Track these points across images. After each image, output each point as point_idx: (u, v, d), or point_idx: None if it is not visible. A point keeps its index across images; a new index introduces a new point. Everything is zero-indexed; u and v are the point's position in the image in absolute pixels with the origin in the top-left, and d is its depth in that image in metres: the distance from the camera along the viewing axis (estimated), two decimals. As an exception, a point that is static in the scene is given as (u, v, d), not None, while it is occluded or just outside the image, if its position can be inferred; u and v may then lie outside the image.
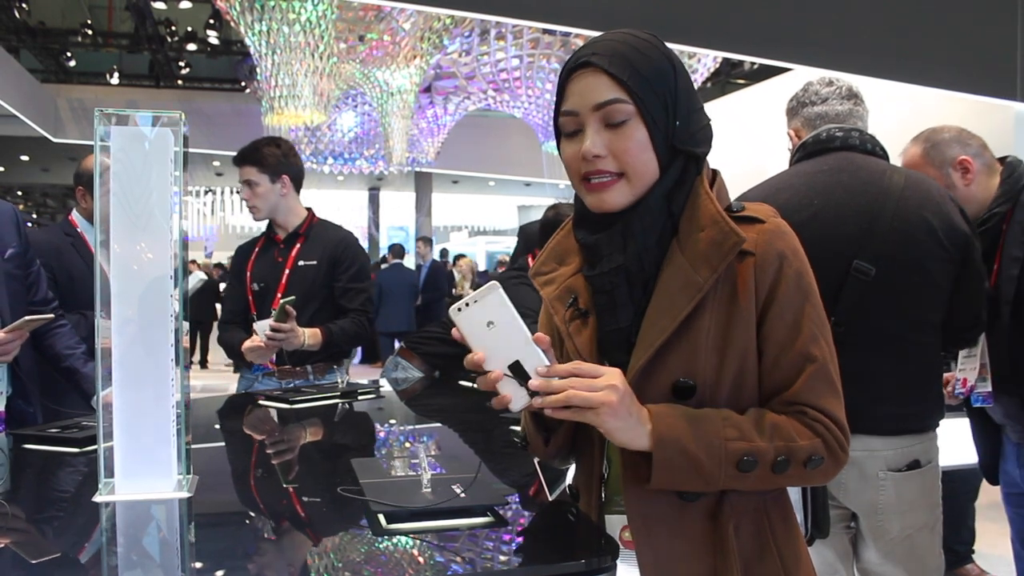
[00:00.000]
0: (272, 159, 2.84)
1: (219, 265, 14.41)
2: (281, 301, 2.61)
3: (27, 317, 1.93)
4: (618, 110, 1.12)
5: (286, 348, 2.70)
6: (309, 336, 2.72)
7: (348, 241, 3.00)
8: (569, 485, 1.31)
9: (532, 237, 3.10)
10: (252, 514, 1.46)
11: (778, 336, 1.12)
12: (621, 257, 1.15)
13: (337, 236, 2.98)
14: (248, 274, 2.92)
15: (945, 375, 2.19)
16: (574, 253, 1.24)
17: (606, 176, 1.13)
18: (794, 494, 1.54)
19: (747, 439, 1.08)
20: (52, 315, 2.10)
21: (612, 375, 1.06)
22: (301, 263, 2.87)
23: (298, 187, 2.93)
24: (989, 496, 3.64)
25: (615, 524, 1.21)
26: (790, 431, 1.10)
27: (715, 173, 1.20)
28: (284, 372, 2.82)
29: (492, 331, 1.06)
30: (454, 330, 1.09)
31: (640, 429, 1.07)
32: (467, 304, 1.08)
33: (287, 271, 2.86)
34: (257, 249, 2.97)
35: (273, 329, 2.59)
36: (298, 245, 2.90)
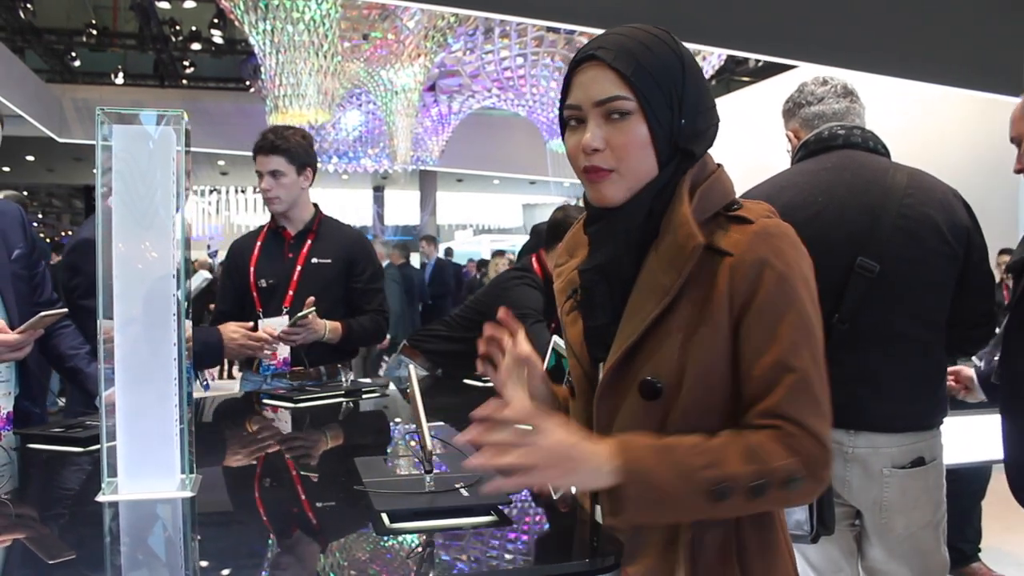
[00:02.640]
0: (300, 150, 2.78)
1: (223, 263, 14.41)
2: (298, 315, 2.59)
3: (42, 313, 1.92)
4: (619, 106, 1.10)
5: (304, 342, 2.68)
6: (330, 329, 2.70)
7: (363, 241, 2.99)
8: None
9: (540, 238, 3.10)
10: (255, 513, 1.46)
11: (755, 343, 1.07)
12: (602, 256, 1.16)
13: (351, 236, 2.96)
14: (252, 270, 2.85)
15: (951, 368, 2.18)
16: (583, 245, 1.24)
17: (602, 170, 1.13)
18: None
19: (719, 466, 1.02)
20: (65, 309, 2.09)
21: (545, 438, 1.00)
22: (315, 260, 2.82)
23: (313, 181, 2.89)
24: (995, 494, 3.63)
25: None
26: (765, 453, 1.03)
27: (717, 168, 1.18)
28: (296, 374, 2.79)
29: None
30: None
31: (599, 472, 1.02)
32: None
33: (299, 268, 2.81)
34: (259, 244, 2.90)
35: (286, 332, 2.59)
36: (309, 242, 2.84)
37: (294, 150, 2.76)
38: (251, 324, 2.57)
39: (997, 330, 2.06)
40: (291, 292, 2.77)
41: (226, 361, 10.17)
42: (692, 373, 1.09)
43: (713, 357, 1.08)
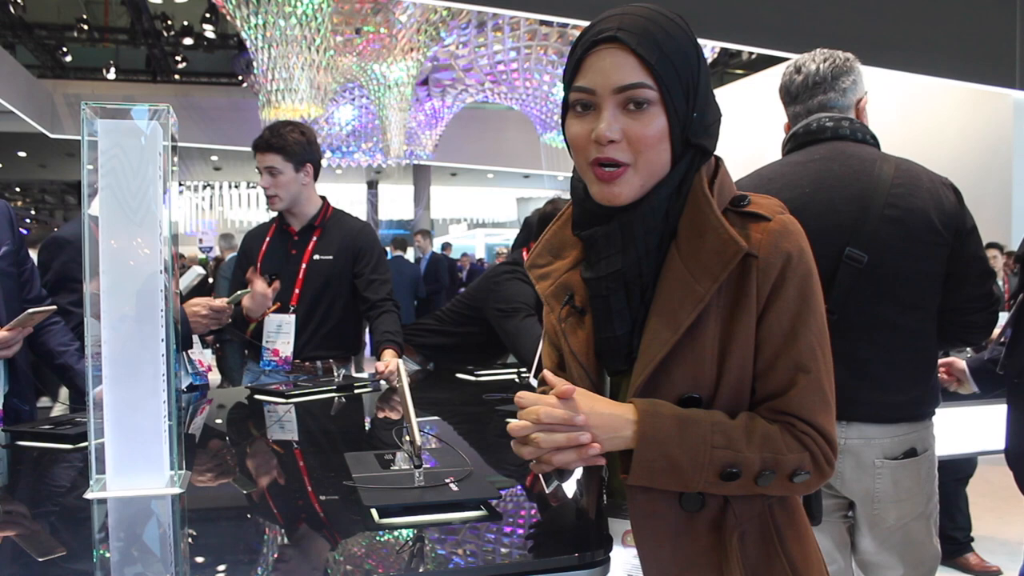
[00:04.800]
0: (297, 147, 2.75)
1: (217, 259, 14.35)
2: (235, 296, 2.60)
3: (30, 310, 1.91)
4: (641, 94, 1.03)
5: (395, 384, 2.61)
6: (393, 357, 2.65)
7: (365, 232, 2.96)
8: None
9: (531, 231, 3.10)
10: (245, 509, 1.46)
11: (774, 341, 1.06)
12: (619, 261, 1.08)
13: (353, 228, 2.93)
14: (259, 266, 2.82)
15: (943, 360, 2.18)
16: (571, 246, 1.17)
17: (615, 166, 1.05)
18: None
19: (734, 448, 1.03)
20: (54, 307, 2.08)
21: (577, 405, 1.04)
22: (317, 257, 2.81)
23: (317, 176, 2.86)
24: (988, 485, 3.64)
25: (617, 528, 1.17)
26: (779, 443, 1.05)
27: (718, 163, 1.13)
28: (293, 367, 2.78)
29: None
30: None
31: (619, 436, 1.05)
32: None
33: (304, 265, 2.79)
34: (268, 239, 2.89)
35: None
36: (314, 238, 2.83)
37: (290, 147, 2.73)
38: (220, 301, 2.54)
39: (1001, 322, 2.05)
40: (297, 290, 2.76)
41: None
42: (728, 380, 1.07)
43: (747, 361, 1.07)
